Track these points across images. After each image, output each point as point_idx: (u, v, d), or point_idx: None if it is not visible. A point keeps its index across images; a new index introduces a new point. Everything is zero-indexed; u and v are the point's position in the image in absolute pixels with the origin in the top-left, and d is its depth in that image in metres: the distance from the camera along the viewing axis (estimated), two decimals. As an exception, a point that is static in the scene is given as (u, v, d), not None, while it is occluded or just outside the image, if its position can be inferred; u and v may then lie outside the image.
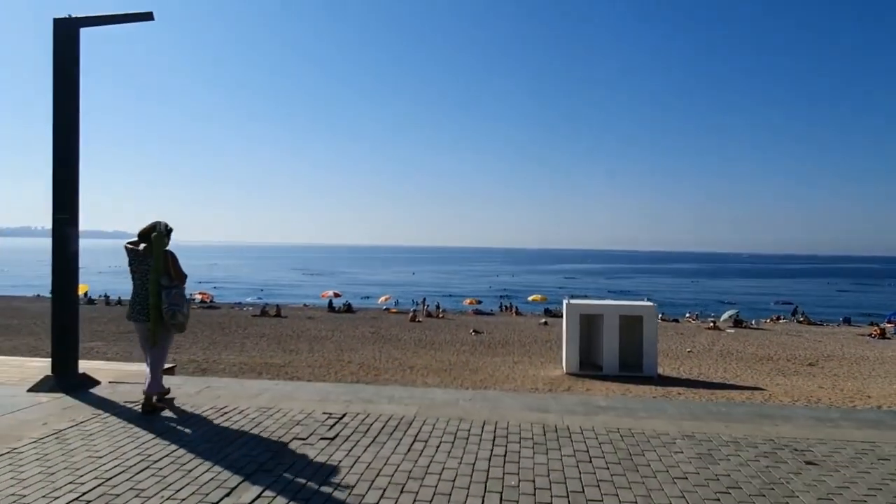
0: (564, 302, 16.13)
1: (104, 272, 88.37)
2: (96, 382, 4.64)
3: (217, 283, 65.82)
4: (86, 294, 44.99)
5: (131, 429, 4.19)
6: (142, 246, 4.76)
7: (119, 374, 5.28)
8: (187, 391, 5.09)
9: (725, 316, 34.67)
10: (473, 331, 27.06)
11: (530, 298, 43.11)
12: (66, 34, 4.52)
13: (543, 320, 34.04)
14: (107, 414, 4.26)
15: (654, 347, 14.85)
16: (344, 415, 4.65)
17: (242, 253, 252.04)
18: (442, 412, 4.81)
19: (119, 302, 41.94)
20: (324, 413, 4.65)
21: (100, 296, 44.13)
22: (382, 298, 42.00)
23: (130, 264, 4.82)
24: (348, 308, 40.27)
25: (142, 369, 5.52)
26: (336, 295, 42.04)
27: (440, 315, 36.87)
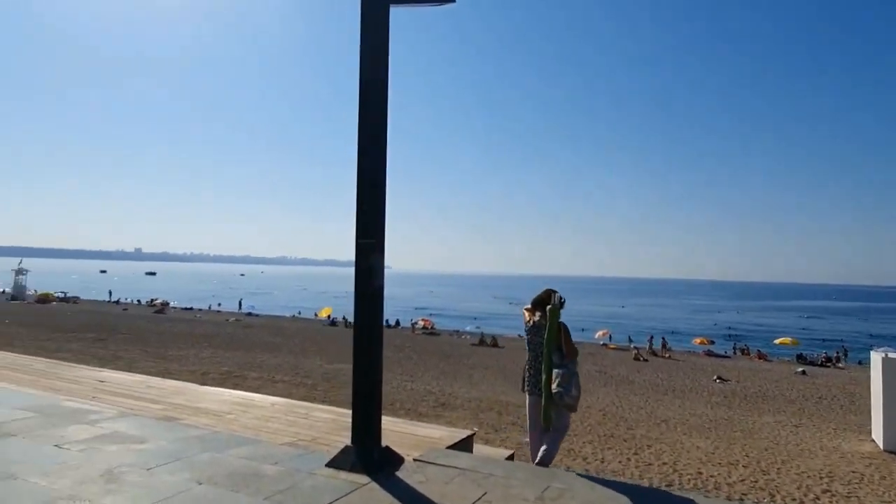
0: (875, 354, 12.55)
1: (339, 296, 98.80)
2: (400, 459, 3.74)
3: (433, 311, 68.86)
4: (329, 317, 50.04)
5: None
6: (537, 315, 4.64)
7: (417, 444, 4.34)
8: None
9: None
10: (718, 378, 23.36)
11: (777, 341, 36.79)
12: (375, 15, 3.75)
13: (800, 369, 28.43)
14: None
15: None
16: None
17: (443, 281, 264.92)
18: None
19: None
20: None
21: (342, 318, 48.47)
22: (600, 333, 39.38)
23: (526, 333, 4.73)
24: (565, 341, 38.49)
25: (436, 434, 4.72)
26: (552, 327, 40.62)
27: (667, 355, 33.14)
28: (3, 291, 59.18)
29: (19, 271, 55.72)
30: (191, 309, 55.42)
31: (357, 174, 3.87)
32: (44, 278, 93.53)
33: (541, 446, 4.53)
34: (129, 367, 17.32)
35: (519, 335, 45.58)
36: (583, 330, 48.92)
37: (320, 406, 5.75)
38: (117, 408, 5.12)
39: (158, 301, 55.55)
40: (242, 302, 59.08)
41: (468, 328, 45.73)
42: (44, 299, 49.98)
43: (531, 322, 4.71)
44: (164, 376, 15.31)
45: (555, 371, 4.35)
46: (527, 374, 4.70)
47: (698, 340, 36.99)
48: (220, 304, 62.34)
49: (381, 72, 3.90)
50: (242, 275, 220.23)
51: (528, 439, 4.78)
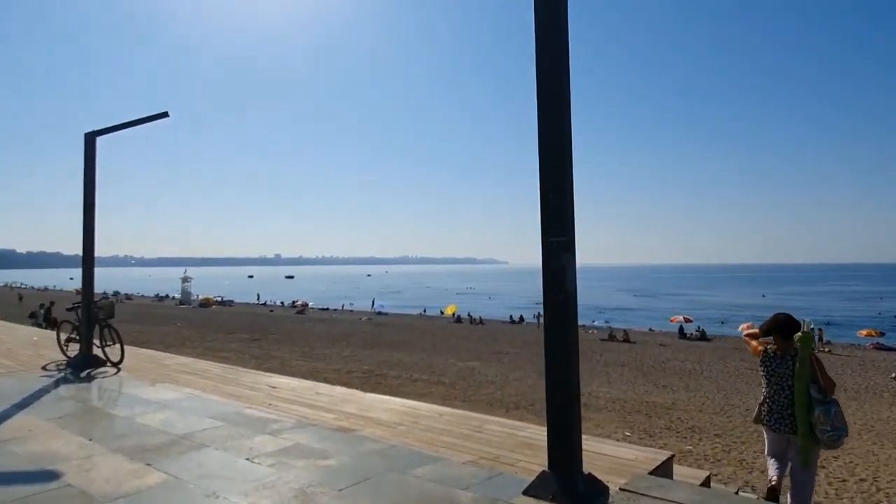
0: None
1: (461, 293, 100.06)
2: (604, 489, 3.25)
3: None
4: (454, 314, 50.59)
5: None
6: (772, 342, 4.32)
7: (613, 468, 3.80)
8: None
9: None
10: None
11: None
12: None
13: None
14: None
15: None
16: None
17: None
18: None
19: (481, 321, 45.79)
20: None
21: (466, 315, 48.82)
22: (744, 326, 35.97)
23: (762, 364, 4.34)
24: (702, 335, 35.71)
25: (628, 454, 4.18)
26: (686, 320, 37.86)
27: (826, 349, 29.51)
28: (173, 297, 66.57)
29: (185, 279, 62.40)
30: (327, 309, 58.76)
31: (539, 166, 3.42)
32: (203, 285, 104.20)
33: (782, 478, 4.19)
34: (283, 366, 18.44)
35: (650, 329, 43.12)
36: (722, 323, 45.24)
37: (491, 418, 5.40)
38: (293, 416, 5.13)
39: (299, 302, 59.49)
40: (374, 301, 61.64)
41: (595, 322, 44.04)
42: (205, 303, 55.44)
43: (770, 351, 4.33)
44: (314, 375, 16.05)
45: (818, 409, 3.95)
46: (766, 408, 4.33)
47: (864, 332, 32.54)
48: (352, 304, 65.56)
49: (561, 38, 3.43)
50: (369, 275, 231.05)
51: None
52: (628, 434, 11.42)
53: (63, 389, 6.39)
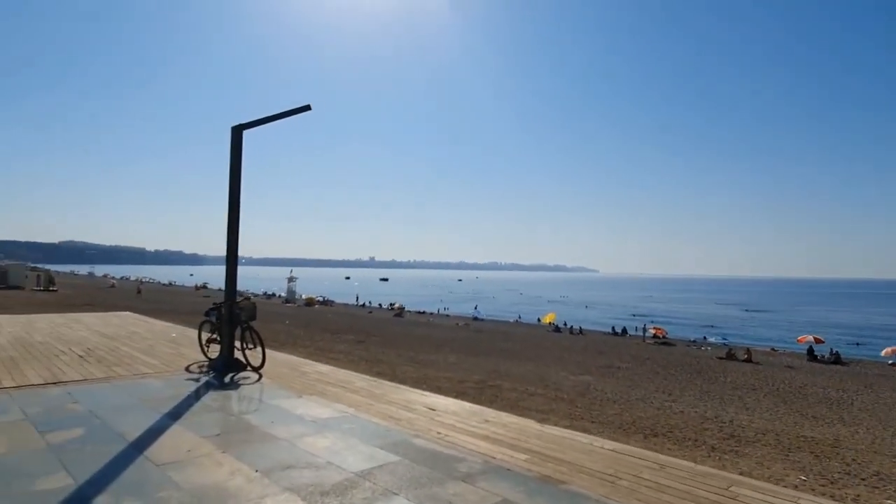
0: None
1: (553, 301, 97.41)
2: None
3: (656, 317, 63.38)
4: (550, 323, 48.86)
5: None
6: None
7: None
8: None
9: None
10: None
11: None
12: None
13: None
14: None
15: None
16: None
17: (650, 285, 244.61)
18: None
19: (581, 331, 43.75)
20: None
21: (563, 324, 46.88)
22: (887, 350, 31.60)
23: None
24: (836, 358, 31.69)
25: None
26: (817, 340, 33.85)
27: None
28: (279, 296, 69.53)
29: (290, 279, 64.90)
30: (423, 313, 58.79)
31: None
32: (303, 285, 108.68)
33: None
34: (393, 372, 17.88)
35: (772, 348, 39.07)
36: (857, 345, 40.28)
37: (738, 478, 4.18)
38: (477, 454, 4.18)
39: (397, 305, 60.00)
40: (475, 307, 60.77)
41: (709, 339, 40.61)
42: (309, 303, 57.23)
43: None
44: (427, 383, 15.25)
45: None
46: None
47: None
48: (447, 309, 65.27)
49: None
50: (460, 280, 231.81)
51: None
52: (803, 479, 9.60)
53: (211, 398, 5.87)
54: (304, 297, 61.98)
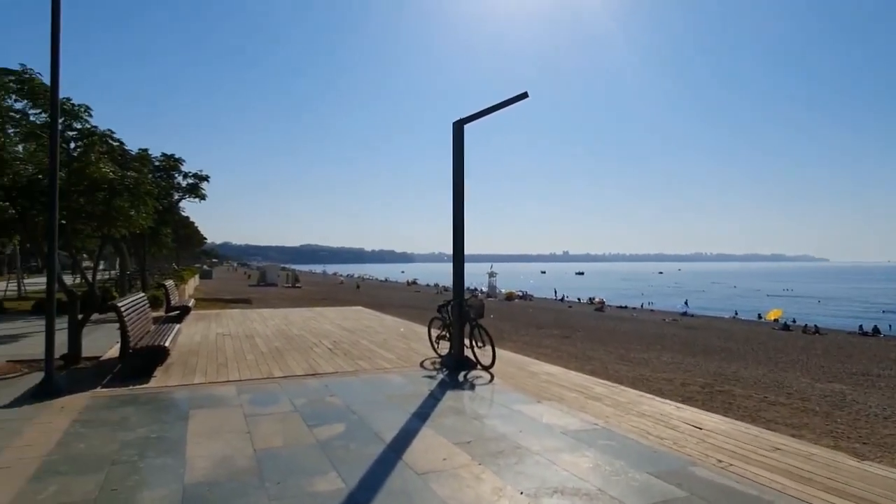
0: None
1: (773, 294, 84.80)
2: None
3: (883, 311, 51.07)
4: (776, 320, 42.47)
5: None
6: None
7: None
8: None
9: None
10: None
11: None
12: None
13: None
14: None
15: None
16: None
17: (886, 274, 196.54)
18: None
19: (817, 330, 37.14)
20: None
21: (792, 321, 40.32)
22: None
23: None
24: None
25: None
26: None
27: None
28: (481, 291, 71.83)
29: (491, 274, 66.56)
30: (625, 307, 55.59)
31: None
32: (501, 279, 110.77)
33: None
34: (605, 370, 16.77)
35: None
36: None
37: None
38: (786, 496, 3.26)
39: (597, 299, 57.75)
40: (684, 301, 55.71)
41: None
42: (509, 297, 57.98)
43: None
44: (644, 384, 13.89)
45: None
46: None
47: None
48: (651, 303, 60.88)
49: None
50: (660, 272, 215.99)
51: None
52: None
53: (450, 398, 5.74)
54: (503, 291, 63.01)
